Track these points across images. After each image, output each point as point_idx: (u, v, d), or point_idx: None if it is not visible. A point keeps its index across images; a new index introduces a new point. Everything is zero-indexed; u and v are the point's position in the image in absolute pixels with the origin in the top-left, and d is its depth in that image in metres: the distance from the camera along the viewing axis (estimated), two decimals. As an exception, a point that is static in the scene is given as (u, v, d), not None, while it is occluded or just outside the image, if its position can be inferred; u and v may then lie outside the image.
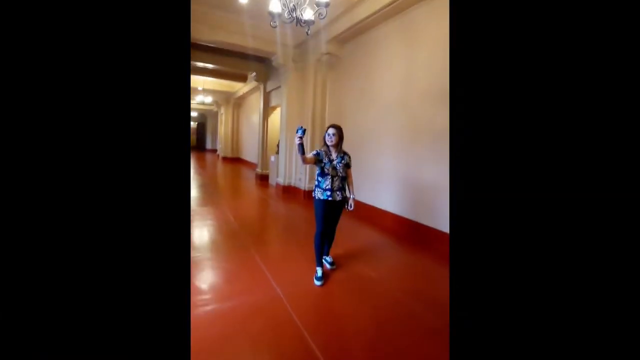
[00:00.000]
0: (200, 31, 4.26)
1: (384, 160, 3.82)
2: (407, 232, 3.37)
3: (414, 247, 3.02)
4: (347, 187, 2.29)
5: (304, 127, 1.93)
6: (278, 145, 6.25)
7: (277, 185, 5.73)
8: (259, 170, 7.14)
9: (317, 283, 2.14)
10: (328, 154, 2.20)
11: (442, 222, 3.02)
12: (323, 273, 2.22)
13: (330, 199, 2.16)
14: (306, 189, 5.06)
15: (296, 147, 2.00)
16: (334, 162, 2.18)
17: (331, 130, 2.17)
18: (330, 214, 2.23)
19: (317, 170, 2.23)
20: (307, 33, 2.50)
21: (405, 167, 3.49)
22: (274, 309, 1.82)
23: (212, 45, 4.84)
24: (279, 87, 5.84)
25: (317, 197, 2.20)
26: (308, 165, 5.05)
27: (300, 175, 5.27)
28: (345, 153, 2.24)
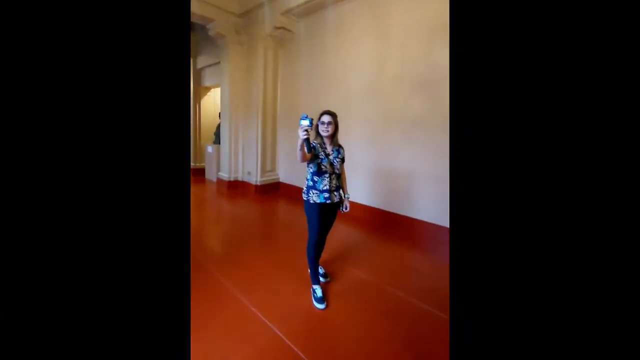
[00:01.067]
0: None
1: (352, 149, 3.55)
2: (382, 223, 3.22)
3: (393, 238, 2.88)
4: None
5: (310, 117, 1.45)
6: (216, 134, 5.32)
7: (220, 180, 4.89)
8: (191, 163, 6.02)
9: (320, 306, 1.72)
10: (323, 147, 1.76)
11: (416, 210, 2.95)
12: (322, 291, 1.81)
13: (328, 201, 1.75)
14: (258, 184, 4.43)
15: (299, 142, 1.50)
16: (331, 157, 1.76)
17: (326, 118, 1.72)
18: (327, 219, 1.82)
19: (310, 169, 1.78)
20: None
21: (376, 157, 3.30)
22: (278, 356, 1.34)
23: None
24: (217, 63, 4.89)
25: (312, 201, 1.76)
26: (262, 157, 4.42)
27: (250, 168, 4.58)
28: (340, 146, 1.84)
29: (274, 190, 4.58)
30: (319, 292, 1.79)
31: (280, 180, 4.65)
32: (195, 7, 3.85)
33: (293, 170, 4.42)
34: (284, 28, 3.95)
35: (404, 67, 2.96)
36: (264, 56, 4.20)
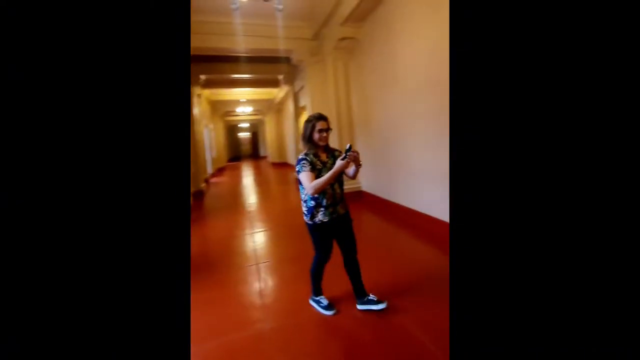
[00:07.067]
0: (208, 40, 4.21)
1: (419, 152, 3.11)
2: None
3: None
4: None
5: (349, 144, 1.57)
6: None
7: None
8: (297, 174, 6.96)
9: (328, 313, 1.74)
10: (317, 157, 1.60)
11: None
12: (329, 301, 1.80)
13: (334, 215, 1.63)
14: (339, 193, 4.59)
15: (334, 173, 1.46)
16: (329, 165, 1.60)
17: (324, 124, 1.56)
18: (342, 236, 1.71)
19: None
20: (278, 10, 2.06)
21: (447, 160, 2.73)
22: None
23: (235, 54, 4.77)
24: (303, 86, 5.50)
25: (317, 221, 1.63)
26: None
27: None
28: (334, 149, 1.69)
29: (356, 199, 4.60)
30: (324, 301, 1.78)
31: (363, 189, 4.62)
32: (279, 44, 4.54)
33: (375, 179, 4.30)
34: (347, 38, 3.98)
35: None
36: (333, 69, 4.38)
